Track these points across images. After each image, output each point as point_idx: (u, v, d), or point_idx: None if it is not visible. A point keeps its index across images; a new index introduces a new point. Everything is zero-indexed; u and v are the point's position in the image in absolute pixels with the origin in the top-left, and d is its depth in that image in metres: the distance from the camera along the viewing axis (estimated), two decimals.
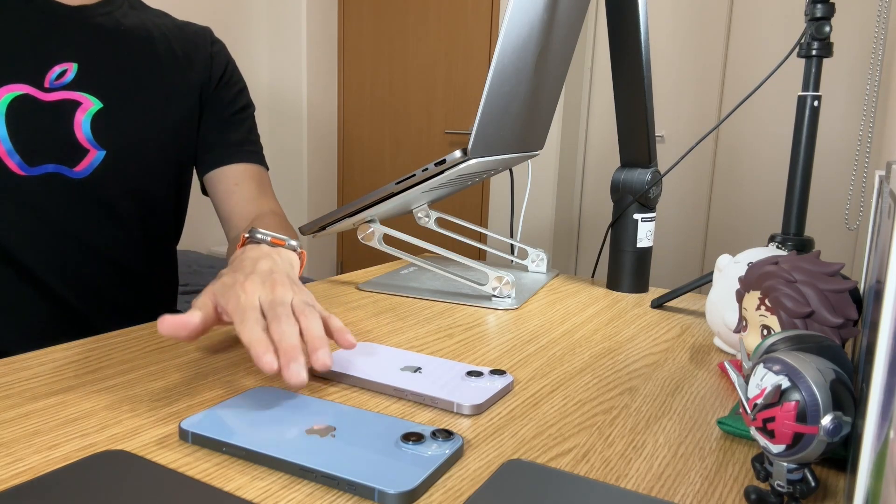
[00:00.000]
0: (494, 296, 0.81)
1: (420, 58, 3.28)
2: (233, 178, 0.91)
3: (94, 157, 0.79)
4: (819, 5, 0.71)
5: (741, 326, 0.55)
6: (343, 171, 3.61)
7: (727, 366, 0.40)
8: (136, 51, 0.84)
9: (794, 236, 0.76)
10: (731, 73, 2.67)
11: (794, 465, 0.36)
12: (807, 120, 0.74)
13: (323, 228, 0.84)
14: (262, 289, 0.54)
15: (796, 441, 0.35)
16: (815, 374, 0.35)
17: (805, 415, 0.34)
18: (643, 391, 0.55)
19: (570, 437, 0.46)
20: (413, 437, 0.41)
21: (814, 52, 0.72)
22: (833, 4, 0.71)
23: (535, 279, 0.93)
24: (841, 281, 0.48)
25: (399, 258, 0.88)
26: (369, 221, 0.83)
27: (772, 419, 0.35)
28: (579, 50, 2.92)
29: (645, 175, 0.86)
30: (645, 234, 0.87)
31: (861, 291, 0.52)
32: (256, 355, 0.46)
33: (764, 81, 0.78)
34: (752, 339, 0.53)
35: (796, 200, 0.76)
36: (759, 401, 0.36)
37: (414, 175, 0.75)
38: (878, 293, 0.34)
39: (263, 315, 0.51)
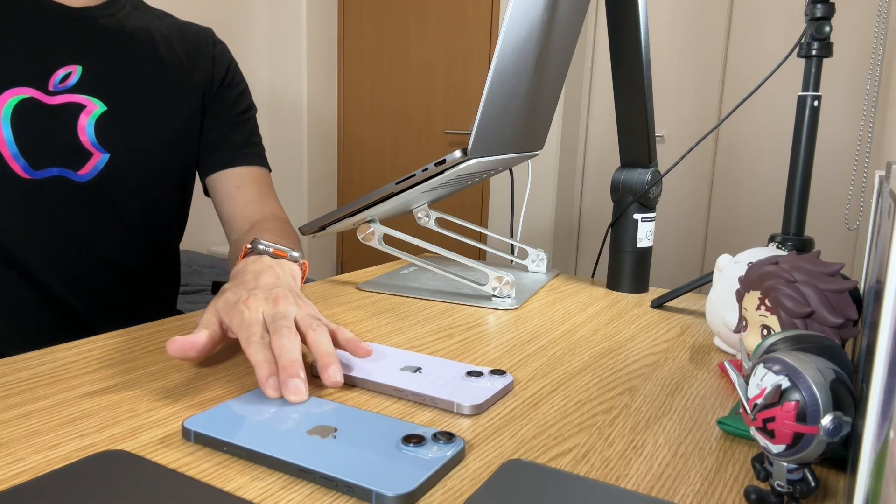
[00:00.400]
0: (494, 296, 0.81)
1: (420, 58, 3.28)
2: (234, 181, 0.91)
3: (99, 160, 0.79)
4: (819, 5, 0.71)
5: (741, 326, 0.55)
6: (343, 171, 3.61)
7: (727, 366, 0.40)
8: (139, 53, 0.84)
9: (794, 236, 0.76)
10: (731, 73, 2.67)
11: (794, 465, 0.36)
12: (807, 120, 0.74)
13: (323, 228, 0.84)
14: (266, 304, 0.55)
15: (796, 441, 0.35)
16: (815, 374, 0.35)
17: (805, 415, 0.34)
18: (643, 391, 0.55)
19: (570, 437, 0.46)
20: (414, 440, 0.41)
21: (814, 52, 0.72)
22: (833, 4, 0.71)
23: (535, 279, 0.93)
24: (841, 281, 0.48)
25: (399, 258, 0.88)
26: (369, 221, 0.83)
27: (772, 419, 0.35)
28: (579, 50, 2.93)
29: (645, 175, 0.86)
30: (645, 234, 0.87)
31: (861, 291, 0.52)
32: (260, 378, 0.48)
33: (764, 81, 0.78)
34: (752, 339, 0.53)
35: (796, 200, 0.76)
36: (759, 401, 0.36)
37: (414, 175, 0.75)
38: (878, 293, 0.34)
39: (267, 330, 0.52)
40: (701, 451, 0.45)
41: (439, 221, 0.95)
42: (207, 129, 0.91)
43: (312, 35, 3.34)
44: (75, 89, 0.78)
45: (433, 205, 0.93)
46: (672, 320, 0.76)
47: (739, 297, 0.55)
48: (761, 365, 0.37)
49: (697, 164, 2.79)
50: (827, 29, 0.71)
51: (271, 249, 0.66)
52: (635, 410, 0.51)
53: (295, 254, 0.68)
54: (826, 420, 0.34)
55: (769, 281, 0.50)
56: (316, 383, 0.54)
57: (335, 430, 0.43)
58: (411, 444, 0.41)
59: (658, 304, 0.82)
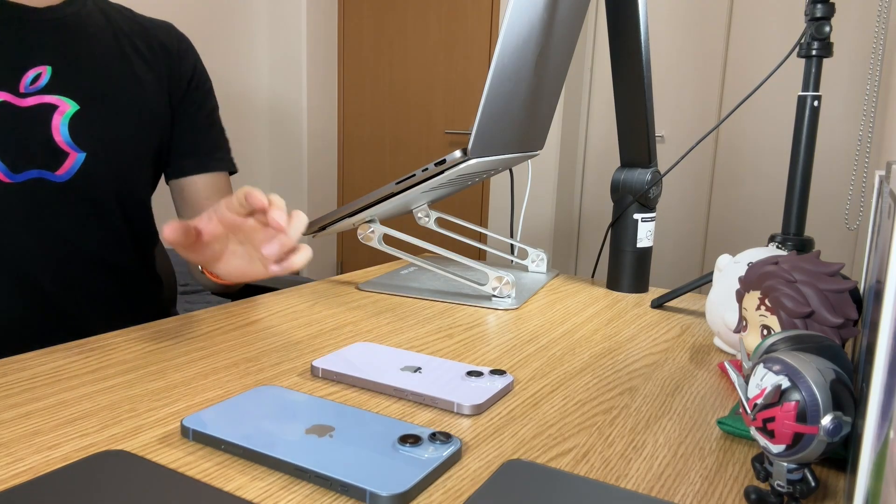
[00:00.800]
0: (494, 296, 0.81)
1: (420, 58, 3.28)
2: (203, 191, 0.92)
3: (76, 159, 0.79)
4: (819, 5, 0.71)
5: (741, 326, 0.55)
6: (343, 171, 3.61)
7: (727, 366, 0.40)
8: (104, 49, 0.84)
9: (794, 236, 0.76)
10: (731, 73, 2.67)
11: (794, 465, 0.36)
12: (807, 120, 0.74)
13: (323, 228, 0.84)
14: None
15: (796, 441, 0.35)
16: (815, 374, 0.35)
17: (805, 415, 0.34)
18: (643, 391, 0.55)
19: (570, 437, 0.46)
20: (410, 440, 0.41)
21: (814, 52, 0.72)
22: (833, 4, 0.71)
23: (535, 279, 0.93)
24: (841, 281, 0.48)
25: (399, 258, 0.88)
26: (369, 221, 0.82)
27: (772, 419, 0.35)
28: (579, 50, 2.92)
29: (645, 175, 0.86)
30: (645, 234, 0.87)
31: (861, 291, 0.52)
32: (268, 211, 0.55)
33: (764, 81, 0.78)
34: (752, 339, 0.53)
35: (796, 200, 0.76)
36: (759, 401, 0.36)
37: (414, 175, 0.75)
38: (878, 293, 0.34)
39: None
40: (701, 451, 0.45)
41: (439, 221, 0.95)
42: (178, 133, 0.91)
43: (312, 35, 3.34)
44: (46, 90, 0.77)
45: (433, 205, 0.93)
46: (672, 320, 0.76)
47: (739, 297, 0.55)
48: (761, 365, 0.37)
49: (697, 164, 2.79)
50: (827, 29, 0.71)
51: None
52: (635, 410, 0.51)
53: None
54: (826, 420, 0.34)
55: (769, 281, 0.50)
56: (315, 385, 0.54)
57: (333, 429, 0.43)
58: (408, 444, 0.41)
59: (658, 304, 0.82)
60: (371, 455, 0.40)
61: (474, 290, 0.84)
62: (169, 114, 0.90)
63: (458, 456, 0.42)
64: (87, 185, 0.80)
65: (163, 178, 0.94)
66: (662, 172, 0.86)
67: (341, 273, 2.01)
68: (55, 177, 0.78)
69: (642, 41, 0.83)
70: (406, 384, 0.51)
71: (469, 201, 3.27)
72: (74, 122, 0.79)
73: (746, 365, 0.39)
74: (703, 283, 0.78)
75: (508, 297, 0.81)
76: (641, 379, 0.57)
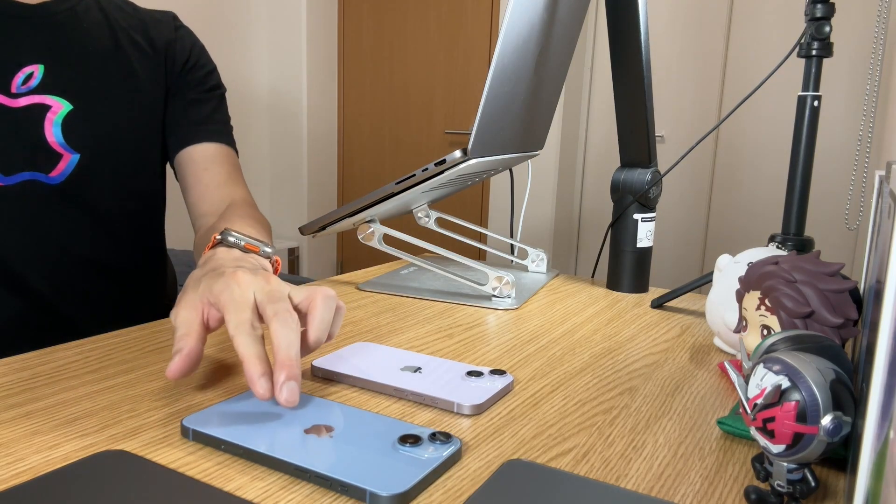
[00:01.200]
0: (494, 296, 0.81)
1: (420, 58, 3.28)
2: (202, 162, 0.88)
3: (69, 160, 0.77)
4: (819, 5, 0.71)
5: (741, 326, 0.55)
6: (343, 171, 3.61)
7: (727, 366, 0.40)
8: (99, 46, 0.82)
9: (794, 236, 0.76)
10: (731, 73, 2.67)
11: (794, 465, 0.36)
12: (807, 120, 0.74)
13: (323, 228, 0.84)
14: (256, 280, 0.49)
15: (796, 441, 0.35)
16: (815, 374, 0.35)
17: (805, 415, 0.34)
18: (643, 391, 0.55)
19: (570, 437, 0.46)
20: (410, 440, 0.41)
21: (814, 52, 0.72)
22: (833, 4, 0.71)
23: (535, 279, 0.93)
24: (841, 281, 0.48)
25: (399, 258, 0.88)
26: (369, 221, 0.82)
27: (772, 419, 0.35)
28: (579, 50, 2.92)
29: (645, 175, 0.86)
30: (645, 234, 0.87)
31: (861, 291, 0.52)
32: (251, 376, 0.43)
33: (764, 81, 0.78)
34: (752, 339, 0.53)
35: (796, 200, 0.76)
36: (759, 401, 0.36)
37: (414, 175, 0.75)
38: (878, 293, 0.34)
39: (258, 315, 0.48)
40: (701, 451, 0.45)
41: (439, 221, 0.95)
42: (171, 110, 0.88)
43: (312, 35, 3.34)
44: (39, 90, 0.76)
45: (433, 205, 0.93)
46: (672, 320, 0.76)
47: (739, 297, 0.55)
48: (761, 365, 0.37)
49: (697, 164, 2.79)
50: (827, 29, 0.71)
51: (242, 243, 0.62)
52: (635, 410, 0.51)
53: (268, 249, 0.63)
54: (826, 420, 0.34)
55: (769, 281, 0.50)
56: (315, 385, 0.54)
57: (332, 429, 0.43)
58: (408, 444, 0.41)
59: (658, 304, 0.82)
60: (371, 455, 0.40)
61: (474, 290, 0.84)
62: (165, 106, 0.88)
63: (458, 456, 0.42)
64: (81, 186, 0.79)
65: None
66: (662, 172, 0.86)
67: (341, 273, 2.01)
68: (48, 179, 0.77)
69: (642, 41, 0.83)
70: (406, 384, 0.51)
71: (469, 201, 3.27)
72: (67, 123, 0.77)
73: (746, 365, 0.39)
74: (703, 283, 0.78)
75: (508, 297, 0.81)
76: (641, 379, 0.57)
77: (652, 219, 0.88)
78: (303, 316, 0.50)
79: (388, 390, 0.52)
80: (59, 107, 0.77)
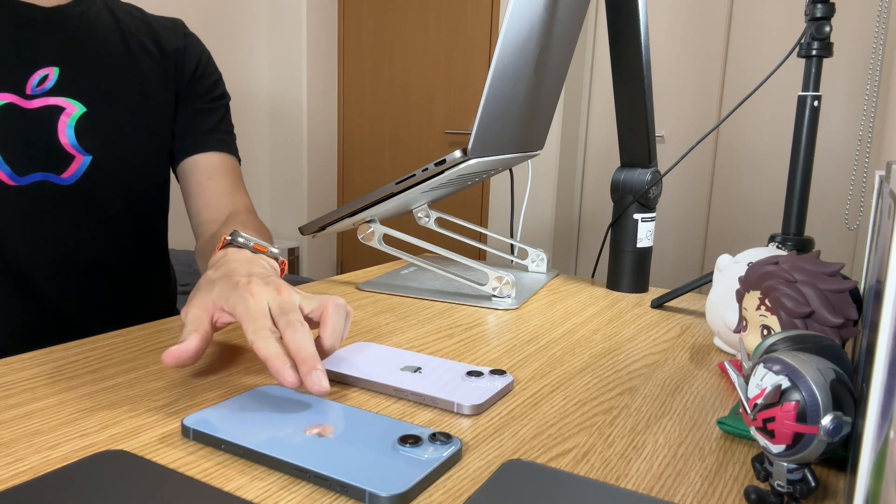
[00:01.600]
0: (494, 296, 0.81)
1: (420, 58, 3.28)
2: (206, 170, 0.89)
3: (81, 162, 0.78)
4: (819, 5, 0.71)
5: (741, 326, 0.55)
6: (343, 171, 3.61)
7: (727, 366, 0.40)
8: (111, 50, 0.83)
9: (794, 236, 0.76)
10: (731, 73, 2.67)
11: (794, 465, 0.36)
12: (807, 120, 0.74)
13: (323, 228, 0.84)
14: (268, 291, 0.52)
15: (796, 441, 0.35)
16: (815, 374, 0.35)
17: (805, 415, 0.34)
18: (643, 391, 0.55)
19: (570, 437, 0.46)
20: (410, 440, 0.41)
21: (814, 52, 0.72)
22: (833, 4, 0.71)
23: (535, 279, 0.93)
24: (841, 281, 0.48)
25: (399, 258, 0.88)
26: (369, 221, 0.83)
27: (772, 419, 0.35)
28: (579, 50, 2.93)
29: (645, 175, 0.86)
30: (645, 234, 0.87)
31: (861, 291, 0.52)
32: (277, 370, 0.46)
33: (764, 81, 0.78)
34: (752, 339, 0.53)
35: (796, 200, 0.76)
36: (759, 401, 0.36)
37: (414, 175, 0.75)
38: (878, 293, 0.34)
39: (273, 321, 0.50)
40: (701, 451, 0.45)
41: (439, 221, 0.95)
42: (179, 118, 0.90)
43: (312, 35, 3.34)
44: (53, 92, 0.77)
45: (433, 205, 0.93)
46: (672, 320, 0.76)
47: (739, 297, 0.55)
48: (761, 365, 0.37)
49: (697, 164, 2.79)
50: (827, 29, 0.71)
51: (251, 244, 0.64)
52: (635, 410, 0.51)
53: (275, 250, 0.66)
54: (826, 420, 0.34)
55: (769, 281, 0.50)
56: None
57: (332, 429, 0.43)
58: (408, 445, 0.41)
59: (658, 304, 0.82)
60: (371, 455, 0.40)
61: (474, 290, 0.84)
62: (174, 110, 0.90)
63: (458, 456, 0.42)
64: (91, 188, 0.80)
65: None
66: (662, 172, 0.86)
67: (341, 273, 2.01)
68: (60, 180, 0.77)
69: (642, 41, 0.83)
70: (406, 384, 0.51)
71: (469, 201, 3.27)
72: (81, 125, 0.78)
73: (746, 365, 0.39)
74: (703, 283, 0.78)
75: (508, 297, 0.81)
76: (641, 379, 0.57)
77: (652, 219, 0.88)
78: (314, 325, 0.53)
79: (388, 390, 0.52)
80: (73, 109, 0.78)
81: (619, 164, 0.88)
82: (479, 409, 0.49)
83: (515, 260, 1.03)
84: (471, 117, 3.19)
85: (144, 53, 0.86)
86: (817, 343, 0.39)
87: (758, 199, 2.67)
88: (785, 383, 0.35)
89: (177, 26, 0.93)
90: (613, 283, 0.90)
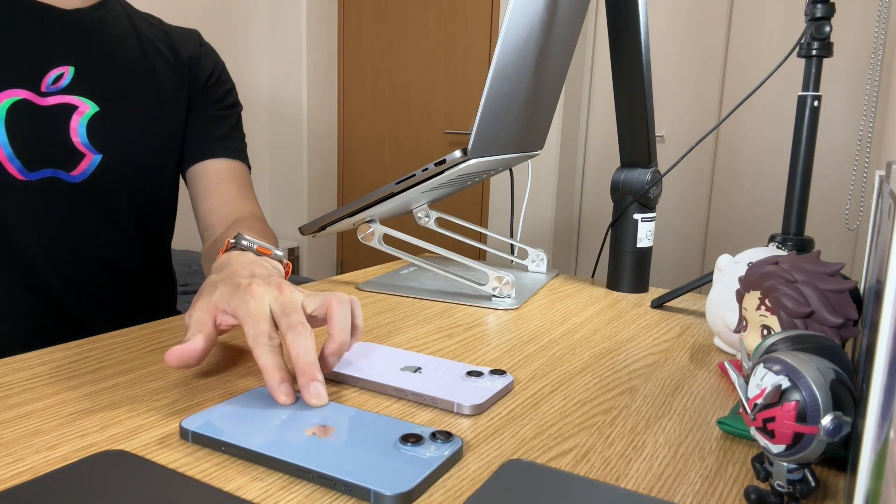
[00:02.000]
0: (494, 296, 0.81)
1: (420, 58, 3.28)
2: (214, 175, 0.91)
3: (91, 160, 0.79)
4: (819, 5, 0.71)
5: (741, 326, 0.55)
6: (343, 171, 3.61)
7: (727, 366, 0.40)
8: (128, 54, 0.85)
9: (794, 236, 0.76)
10: (731, 73, 2.67)
11: (794, 465, 0.36)
12: (807, 120, 0.74)
13: (323, 228, 0.84)
14: (270, 291, 0.52)
15: (796, 441, 0.35)
16: (815, 374, 0.35)
17: (805, 415, 0.34)
18: (643, 391, 0.55)
19: (570, 437, 0.46)
20: (412, 439, 0.41)
21: (814, 52, 0.72)
22: (833, 4, 0.71)
23: (535, 279, 0.93)
24: (841, 281, 0.48)
25: (399, 258, 0.88)
26: (369, 221, 0.83)
27: (772, 419, 0.35)
28: (579, 50, 2.93)
29: (645, 175, 0.86)
30: (645, 234, 0.87)
31: (861, 291, 0.52)
32: (271, 385, 0.46)
33: (764, 81, 0.78)
34: (752, 339, 0.53)
35: (796, 200, 0.76)
36: (759, 401, 0.36)
37: (414, 175, 0.75)
38: (878, 293, 0.34)
39: (275, 324, 0.50)
40: (701, 451, 0.45)
41: (439, 221, 0.95)
42: (191, 124, 0.91)
43: (312, 35, 3.34)
44: (67, 90, 0.78)
45: (433, 205, 0.93)
46: (672, 320, 0.76)
47: (739, 297, 0.55)
48: (761, 365, 0.37)
49: (697, 164, 2.79)
50: (827, 29, 0.71)
51: (255, 246, 0.64)
52: (635, 410, 0.51)
53: (279, 252, 0.66)
54: (826, 420, 0.34)
55: (769, 281, 0.50)
56: None
57: (333, 429, 0.43)
58: (409, 444, 0.41)
59: (658, 304, 0.82)
60: (373, 455, 0.40)
61: (474, 290, 0.84)
62: (186, 116, 0.91)
63: (459, 455, 0.42)
64: (100, 186, 0.81)
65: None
66: (662, 172, 0.86)
67: (341, 273, 2.01)
68: (70, 177, 0.78)
69: (642, 41, 0.83)
70: (406, 384, 0.51)
71: (469, 201, 3.27)
72: (93, 124, 0.79)
73: (746, 365, 0.39)
74: (703, 283, 0.78)
75: (508, 297, 0.81)
76: (641, 379, 0.57)
77: (652, 219, 0.88)
78: (319, 323, 0.53)
79: (388, 390, 0.52)
80: (86, 108, 0.79)
81: (619, 164, 0.88)
82: (479, 409, 0.49)
83: (515, 260, 1.03)
84: (471, 117, 3.19)
85: (160, 58, 0.88)
86: (817, 343, 0.39)
87: (758, 200, 2.67)
88: (785, 383, 0.35)
89: (193, 36, 0.94)
90: (613, 283, 0.90)
